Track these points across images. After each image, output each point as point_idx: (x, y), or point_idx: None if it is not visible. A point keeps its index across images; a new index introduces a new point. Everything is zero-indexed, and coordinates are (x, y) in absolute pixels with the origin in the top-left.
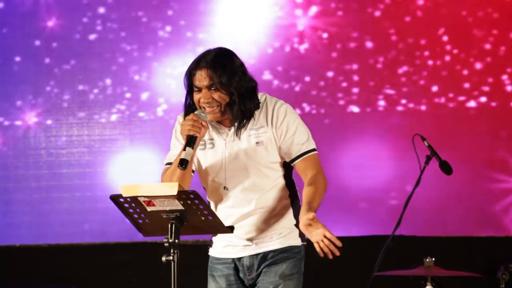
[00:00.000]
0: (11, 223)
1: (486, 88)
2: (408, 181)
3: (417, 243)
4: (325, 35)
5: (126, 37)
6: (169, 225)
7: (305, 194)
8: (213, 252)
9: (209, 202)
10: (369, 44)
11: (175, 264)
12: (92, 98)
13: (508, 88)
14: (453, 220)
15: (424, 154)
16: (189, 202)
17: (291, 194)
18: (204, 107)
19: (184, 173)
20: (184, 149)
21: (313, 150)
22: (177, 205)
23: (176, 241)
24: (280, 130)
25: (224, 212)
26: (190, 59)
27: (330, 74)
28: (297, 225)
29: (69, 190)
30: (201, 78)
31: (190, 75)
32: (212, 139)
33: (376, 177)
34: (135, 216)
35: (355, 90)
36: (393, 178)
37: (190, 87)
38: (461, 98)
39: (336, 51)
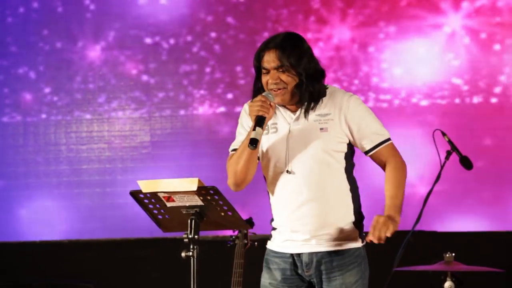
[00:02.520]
0: (32, 219)
1: None
2: (429, 176)
3: (437, 239)
4: None
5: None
6: (189, 221)
7: (388, 181)
8: (271, 245)
9: (269, 192)
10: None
11: (195, 259)
12: (112, 95)
13: None
14: (473, 215)
15: (444, 149)
16: (208, 197)
17: (352, 189)
18: (272, 89)
19: (251, 156)
20: (254, 129)
21: (389, 139)
22: (197, 201)
23: (196, 236)
24: (353, 120)
25: (284, 199)
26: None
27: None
28: (356, 224)
29: (89, 186)
30: (270, 59)
31: (259, 57)
32: (275, 124)
33: None
34: (155, 211)
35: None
36: (413, 173)
37: (259, 69)
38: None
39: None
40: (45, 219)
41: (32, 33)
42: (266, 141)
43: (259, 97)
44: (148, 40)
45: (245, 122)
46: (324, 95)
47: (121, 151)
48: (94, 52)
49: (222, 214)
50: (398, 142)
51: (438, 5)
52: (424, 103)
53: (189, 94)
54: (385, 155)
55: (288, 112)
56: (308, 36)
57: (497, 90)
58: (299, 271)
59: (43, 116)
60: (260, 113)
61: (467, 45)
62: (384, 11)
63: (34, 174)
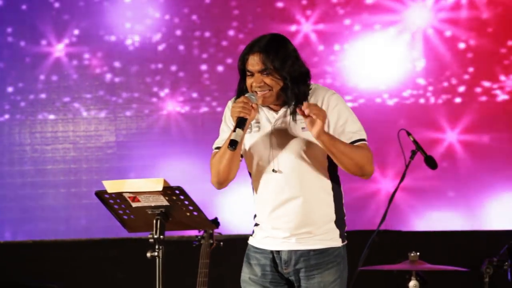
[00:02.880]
0: None
1: None
2: (394, 176)
3: (402, 238)
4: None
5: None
6: (154, 221)
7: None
8: (253, 241)
9: (253, 189)
10: None
11: (160, 259)
12: (77, 95)
13: None
14: (438, 214)
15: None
16: (174, 197)
17: (334, 188)
18: (256, 92)
19: (233, 155)
20: (234, 130)
21: (364, 140)
22: (162, 201)
23: (161, 236)
24: (331, 117)
25: (265, 197)
26: None
27: None
28: (337, 223)
29: (54, 187)
30: (254, 62)
31: (243, 60)
32: (258, 122)
33: None
34: (120, 212)
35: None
36: (379, 173)
37: (243, 72)
38: None
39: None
40: (9, 219)
41: None
42: (249, 140)
43: (241, 98)
44: (113, 39)
45: (229, 120)
46: (308, 94)
47: (86, 151)
48: (59, 51)
49: (188, 214)
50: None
51: (403, 3)
52: (389, 102)
53: (154, 94)
54: None
55: (271, 112)
56: None
57: (461, 89)
58: (279, 268)
59: (7, 116)
60: (242, 115)
61: (432, 44)
62: (348, 10)
63: None
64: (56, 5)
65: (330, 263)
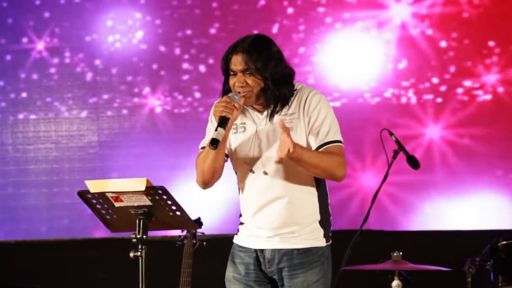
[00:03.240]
0: None
1: None
2: (376, 176)
3: (385, 238)
4: None
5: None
6: (137, 221)
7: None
8: (237, 240)
9: (239, 189)
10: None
11: (143, 259)
12: (59, 95)
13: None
14: (420, 214)
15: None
16: (157, 197)
17: (318, 188)
18: (238, 92)
19: (217, 155)
20: (216, 130)
21: (339, 141)
22: (145, 201)
23: (144, 236)
24: (309, 116)
25: (250, 198)
26: None
27: None
28: (322, 223)
29: (36, 186)
30: (237, 62)
31: (227, 59)
32: (244, 124)
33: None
34: (103, 212)
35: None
36: (361, 172)
37: (227, 72)
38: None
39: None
40: None
41: None
42: (234, 140)
43: (224, 98)
44: (95, 37)
45: (214, 120)
46: (292, 95)
47: (68, 151)
48: (40, 51)
49: (171, 214)
50: (345, 140)
51: (383, 2)
52: (371, 102)
53: (135, 94)
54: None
55: (256, 113)
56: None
57: (443, 88)
58: (262, 267)
59: None
60: (224, 114)
61: (415, 42)
62: (330, 9)
63: None
64: (37, 2)
65: (313, 262)
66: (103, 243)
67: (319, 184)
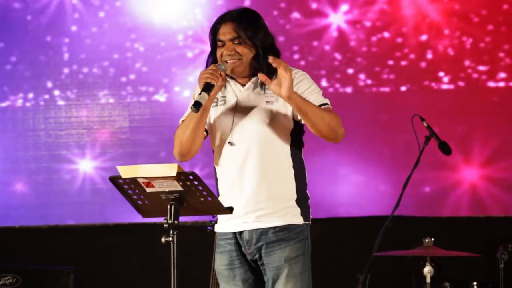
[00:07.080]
0: (10, 205)
1: None
2: (408, 162)
3: (416, 224)
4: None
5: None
6: (168, 206)
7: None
8: (217, 228)
9: (214, 167)
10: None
11: (175, 245)
12: (92, 80)
13: None
14: (452, 200)
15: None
16: (188, 183)
17: (295, 167)
18: (226, 61)
19: (197, 125)
20: (200, 94)
21: (328, 104)
22: (176, 186)
23: (176, 222)
24: (295, 89)
25: (225, 172)
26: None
27: None
28: (298, 202)
29: (69, 172)
30: (226, 31)
31: (214, 30)
32: (224, 96)
33: (377, 157)
34: (134, 197)
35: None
36: (392, 159)
37: (214, 43)
38: None
39: None
40: (24, 204)
41: None
42: (214, 113)
43: (211, 66)
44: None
45: (196, 93)
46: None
47: (99, 136)
48: None
49: (202, 199)
50: (374, 127)
51: None
52: (403, 88)
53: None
54: None
55: (238, 85)
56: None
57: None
58: (243, 249)
59: (20, 102)
60: (209, 80)
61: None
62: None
63: (12, 160)
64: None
65: (291, 239)
66: (134, 228)
67: (297, 163)
